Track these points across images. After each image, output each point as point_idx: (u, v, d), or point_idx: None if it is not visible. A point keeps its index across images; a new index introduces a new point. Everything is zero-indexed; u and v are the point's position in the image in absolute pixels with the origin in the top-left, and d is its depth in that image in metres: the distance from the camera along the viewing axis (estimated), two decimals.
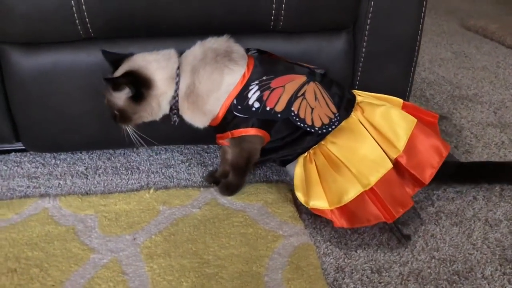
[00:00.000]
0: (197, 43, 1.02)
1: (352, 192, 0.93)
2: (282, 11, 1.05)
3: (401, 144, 0.97)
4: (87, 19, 1.01)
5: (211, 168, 1.20)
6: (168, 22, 1.05)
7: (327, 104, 1.00)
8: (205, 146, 1.29)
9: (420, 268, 0.89)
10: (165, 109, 1.03)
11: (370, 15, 1.13)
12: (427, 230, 0.99)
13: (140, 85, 0.97)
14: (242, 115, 0.98)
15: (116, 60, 1.02)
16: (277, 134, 1.02)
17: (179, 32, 1.09)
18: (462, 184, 1.11)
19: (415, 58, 1.21)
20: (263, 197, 1.07)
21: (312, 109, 0.98)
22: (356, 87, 1.21)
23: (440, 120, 1.11)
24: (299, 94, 0.98)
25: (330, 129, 0.99)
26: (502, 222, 1.00)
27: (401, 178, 0.98)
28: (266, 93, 0.97)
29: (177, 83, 0.99)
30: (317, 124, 0.98)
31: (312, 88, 1.00)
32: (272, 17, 1.06)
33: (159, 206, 1.04)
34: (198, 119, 1.02)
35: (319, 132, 0.98)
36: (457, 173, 1.08)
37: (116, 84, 0.98)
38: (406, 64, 1.21)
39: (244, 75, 0.98)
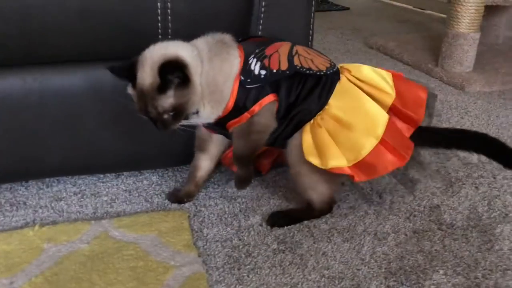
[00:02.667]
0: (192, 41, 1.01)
1: (368, 145, 0.98)
2: (169, 24, 1.04)
3: (392, 90, 1.04)
4: None
5: (105, 198, 1.15)
6: (49, 50, 1.01)
7: (320, 56, 1.07)
8: (101, 175, 1.24)
9: None
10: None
11: (260, 27, 1.15)
12: (319, 248, 1.00)
13: (180, 68, 0.94)
14: (255, 85, 0.99)
15: (127, 71, 0.95)
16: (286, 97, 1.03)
17: (66, 60, 1.05)
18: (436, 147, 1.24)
19: None
20: (158, 227, 1.04)
21: (311, 60, 1.03)
22: None
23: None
24: (293, 54, 1.03)
25: (334, 69, 1.04)
26: (390, 235, 1.05)
27: (397, 123, 1.05)
28: (266, 60, 1.00)
29: (201, 63, 0.98)
30: (323, 68, 1.03)
31: (301, 48, 1.06)
32: (160, 30, 1.05)
33: (44, 244, 0.98)
34: (215, 110, 1.01)
35: (328, 73, 1.03)
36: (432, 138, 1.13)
37: (162, 86, 0.93)
38: None
39: (240, 56, 1.01)
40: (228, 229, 1.06)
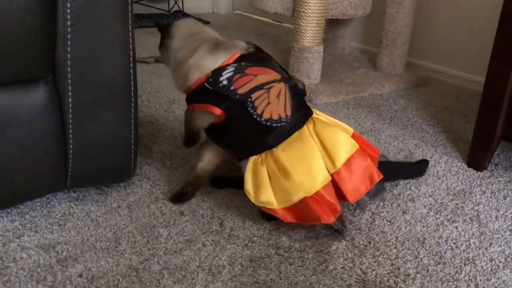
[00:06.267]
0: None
1: (295, 196, 1.00)
2: None
3: (339, 163, 1.04)
4: None
5: None
6: None
7: (285, 105, 1.07)
8: None
9: None
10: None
11: (69, 62, 1.01)
12: None
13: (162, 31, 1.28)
14: (210, 88, 1.07)
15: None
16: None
17: None
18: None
19: (133, 104, 1.13)
20: None
21: (269, 103, 1.06)
22: (71, 140, 1.07)
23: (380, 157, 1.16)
24: (265, 87, 1.07)
25: (274, 125, 1.05)
26: (225, 267, 0.97)
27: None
28: (238, 75, 1.07)
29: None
30: (265, 116, 1.05)
31: (279, 87, 1.08)
32: None
33: None
34: (175, 82, 1.20)
35: (263, 123, 1.05)
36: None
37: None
38: (124, 111, 1.12)
39: (224, 62, 1.10)
40: (40, 286, 0.90)
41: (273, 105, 1.06)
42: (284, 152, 1.05)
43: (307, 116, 1.11)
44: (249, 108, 1.05)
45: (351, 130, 1.14)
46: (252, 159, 1.07)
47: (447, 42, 2.32)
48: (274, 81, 1.08)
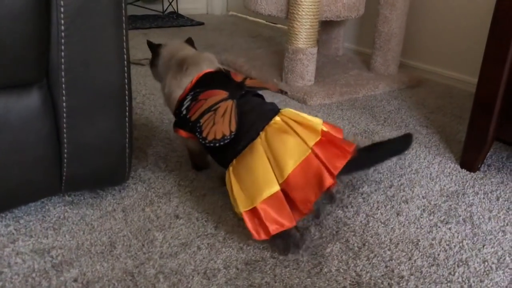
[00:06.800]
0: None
1: (237, 211, 1.01)
2: None
3: (286, 173, 0.99)
4: None
5: None
6: None
7: (230, 122, 1.09)
8: None
9: None
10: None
11: (63, 66, 1.01)
12: None
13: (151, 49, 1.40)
14: (176, 119, 1.22)
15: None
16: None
17: None
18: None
19: (127, 108, 1.13)
20: None
21: (214, 124, 1.10)
22: (65, 144, 1.07)
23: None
24: (213, 109, 1.12)
25: (217, 144, 1.08)
26: (220, 271, 0.98)
27: (287, 200, 1.00)
28: (193, 103, 1.16)
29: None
30: (210, 138, 1.09)
31: (225, 105, 1.12)
32: None
33: None
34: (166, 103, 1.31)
35: (207, 145, 1.10)
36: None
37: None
38: (118, 114, 1.12)
39: (187, 87, 1.20)
40: None
41: (218, 126, 1.10)
42: (237, 165, 1.06)
43: (262, 124, 1.07)
44: (197, 134, 1.12)
45: (319, 126, 1.06)
46: (229, 168, 1.09)
47: (440, 43, 2.34)
48: (222, 100, 1.13)
